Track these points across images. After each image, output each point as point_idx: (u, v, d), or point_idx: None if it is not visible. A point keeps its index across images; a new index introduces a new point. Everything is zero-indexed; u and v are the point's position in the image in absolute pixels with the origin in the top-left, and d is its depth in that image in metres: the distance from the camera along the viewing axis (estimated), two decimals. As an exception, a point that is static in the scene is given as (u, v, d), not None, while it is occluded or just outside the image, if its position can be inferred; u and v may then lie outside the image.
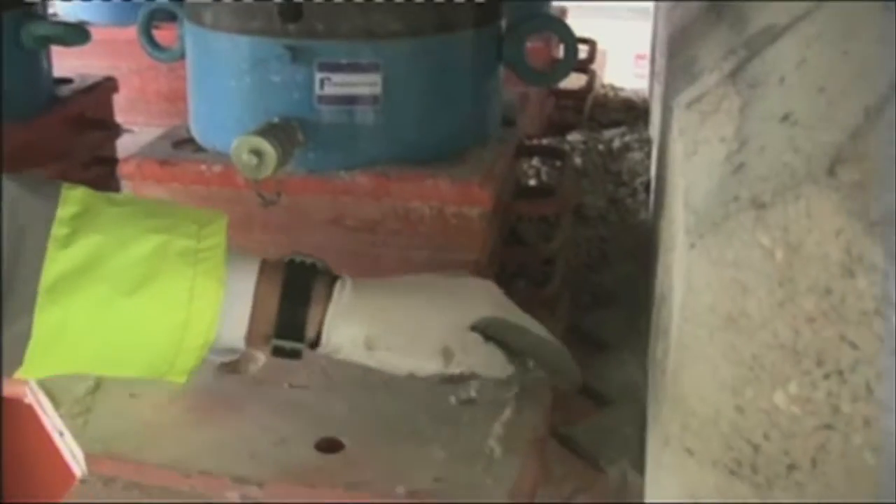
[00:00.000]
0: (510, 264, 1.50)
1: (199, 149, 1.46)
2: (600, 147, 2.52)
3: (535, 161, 2.21)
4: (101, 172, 2.01)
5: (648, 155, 2.43)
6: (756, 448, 0.70)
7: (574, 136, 2.59)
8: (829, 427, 0.65)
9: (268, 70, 1.32)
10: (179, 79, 1.53)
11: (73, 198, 0.94)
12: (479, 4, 1.40)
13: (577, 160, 2.39)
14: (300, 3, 1.29)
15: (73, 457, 1.08)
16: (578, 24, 1.82)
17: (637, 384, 1.26)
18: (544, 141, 2.50)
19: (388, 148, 1.35)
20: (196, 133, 1.48)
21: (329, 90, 1.31)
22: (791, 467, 0.68)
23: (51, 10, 2.47)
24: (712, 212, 0.71)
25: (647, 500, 0.99)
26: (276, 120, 1.29)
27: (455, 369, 1.04)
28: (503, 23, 1.48)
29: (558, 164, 2.00)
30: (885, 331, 0.59)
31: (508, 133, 1.57)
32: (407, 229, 1.33)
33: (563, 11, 3.13)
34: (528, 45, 1.50)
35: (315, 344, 1.03)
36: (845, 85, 0.69)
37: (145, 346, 0.96)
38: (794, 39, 0.84)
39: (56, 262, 0.90)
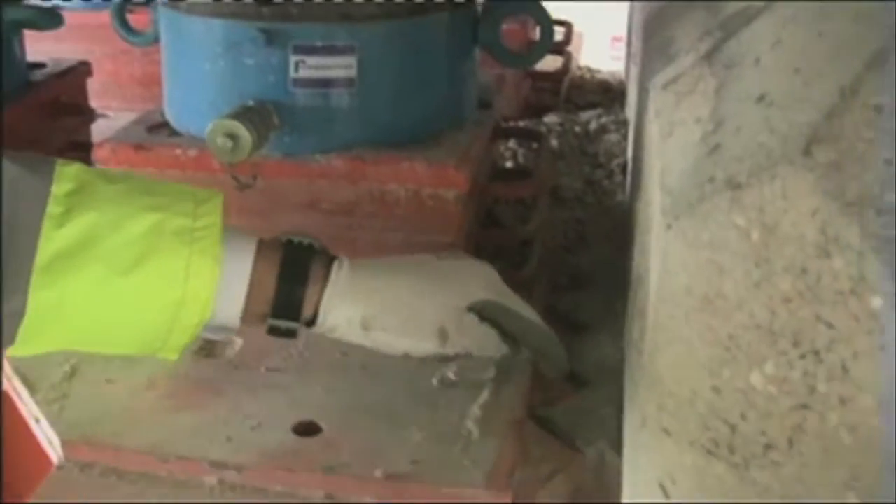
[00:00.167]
0: (487, 246, 1.50)
1: (173, 133, 1.45)
2: (577, 129, 2.52)
3: (512, 143, 2.21)
4: (76, 157, 1.99)
5: (625, 137, 2.43)
6: (733, 428, 0.70)
7: (550, 118, 2.59)
8: (805, 407, 0.65)
9: (242, 53, 1.31)
10: (154, 63, 1.52)
11: (68, 174, 0.93)
12: (455, -14, 1.40)
13: (554, 142, 2.39)
14: (274, -14, 1.29)
15: (50, 443, 1.08)
16: (554, 6, 1.81)
17: (614, 365, 1.26)
18: (521, 123, 2.50)
19: (364, 131, 1.35)
20: (171, 117, 1.47)
21: (304, 73, 1.31)
22: (768, 447, 0.68)
23: (24, -6, 2.45)
24: (688, 193, 0.71)
25: (624, 481, 0.99)
26: (251, 103, 1.29)
27: (450, 350, 1.04)
28: (479, 5, 1.48)
29: (535, 146, 2.00)
30: (861, 311, 0.60)
31: (485, 115, 1.57)
32: (383, 212, 1.32)
33: (539, -7, 3.12)
34: (504, 27, 1.49)
35: (311, 323, 1.03)
36: (821, 65, 0.69)
37: (140, 325, 0.95)
38: (770, 20, 0.84)
39: (51, 241, 0.90)
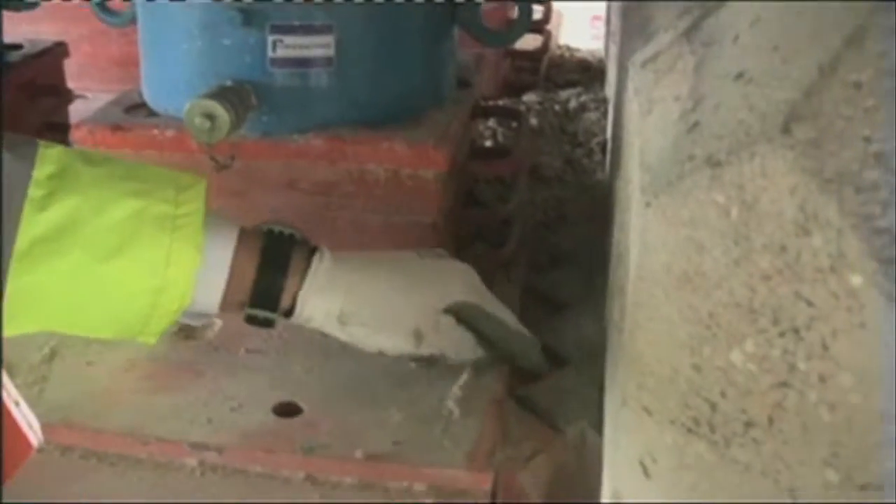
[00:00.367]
0: (467, 226, 1.50)
1: (151, 113, 1.44)
2: (556, 108, 2.51)
3: (492, 122, 2.20)
4: (53, 139, 1.98)
5: (605, 115, 2.43)
6: (713, 406, 0.70)
7: (530, 97, 2.58)
8: (785, 385, 0.65)
9: (219, 33, 1.31)
10: (132, 44, 1.51)
11: (50, 157, 0.93)
12: (433, -35, 1.40)
13: (533, 121, 2.38)
14: (251, -35, 1.28)
15: (30, 426, 1.08)
16: (533, -16, 1.81)
17: (595, 344, 1.26)
18: (500, 102, 2.50)
19: (343, 111, 1.34)
20: (148, 98, 1.47)
21: (282, 53, 1.30)
22: (748, 425, 0.68)
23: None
24: (667, 171, 0.71)
25: (605, 460, 0.99)
26: (228, 83, 1.28)
27: (425, 350, 1.05)
28: (457, -17, 1.47)
29: (514, 125, 2.00)
30: (841, 288, 0.60)
31: (464, 94, 1.56)
32: (362, 192, 1.32)
33: (519, -28, 3.11)
34: (484, 5, 1.49)
35: (288, 314, 1.03)
36: (799, 43, 0.69)
37: (120, 310, 0.95)
38: (748, -3, 0.84)
39: (32, 226, 0.89)
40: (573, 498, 1.11)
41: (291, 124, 1.33)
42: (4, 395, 1.12)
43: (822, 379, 0.62)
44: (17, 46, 2.08)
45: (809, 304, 0.62)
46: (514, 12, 1.58)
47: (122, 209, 0.93)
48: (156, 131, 1.37)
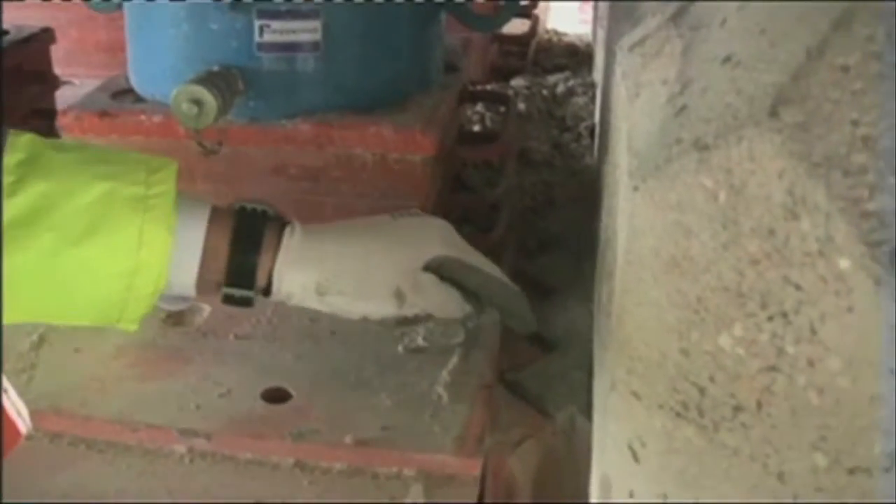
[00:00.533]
0: (455, 210, 1.50)
1: (138, 99, 1.44)
2: (544, 92, 2.51)
3: (479, 107, 2.20)
4: (40, 125, 1.98)
5: (592, 99, 2.43)
6: (702, 390, 0.70)
7: (518, 82, 2.58)
8: (773, 369, 0.65)
9: (206, 18, 1.30)
10: (119, 29, 1.50)
11: (20, 144, 0.92)
12: (420, -51, 1.39)
13: (521, 105, 2.39)
14: (238, -50, 1.27)
15: (19, 414, 1.07)
16: (521, -32, 1.81)
17: (583, 329, 1.26)
18: (488, 87, 2.50)
19: (330, 95, 1.34)
20: (135, 83, 1.46)
21: (269, 37, 1.30)
22: (737, 409, 0.68)
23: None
24: (655, 154, 0.71)
25: (594, 444, 1.00)
26: (215, 68, 1.28)
27: (409, 311, 1.03)
28: (445, -32, 1.47)
29: (502, 109, 2.00)
30: (829, 272, 0.60)
31: (452, 79, 1.56)
32: (350, 177, 1.32)
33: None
34: (471, -11, 1.49)
35: (266, 291, 1.02)
36: (787, 26, 0.69)
37: (94, 295, 0.95)
38: (736, -19, 0.84)
39: (2, 211, 0.89)
40: (562, 482, 1.11)
41: (279, 109, 1.33)
42: (-7, 382, 1.12)
43: (810, 363, 0.63)
44: (3, 32, 2.08)
45: (798, 287, 0.62)
46: (502, -4, 1.58)
47: (93, 192, 0.92)
48: (143, 117, 1.37)
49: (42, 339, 1.17)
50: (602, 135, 1.60)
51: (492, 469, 1.04)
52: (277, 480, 1.00)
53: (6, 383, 1.09)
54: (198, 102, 1.19)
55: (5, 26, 2.10)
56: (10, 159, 0.90)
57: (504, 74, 2.66)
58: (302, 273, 1.01)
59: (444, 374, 1.11)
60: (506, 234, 1.49)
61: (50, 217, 0.91)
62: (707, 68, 0.75)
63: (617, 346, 0.80)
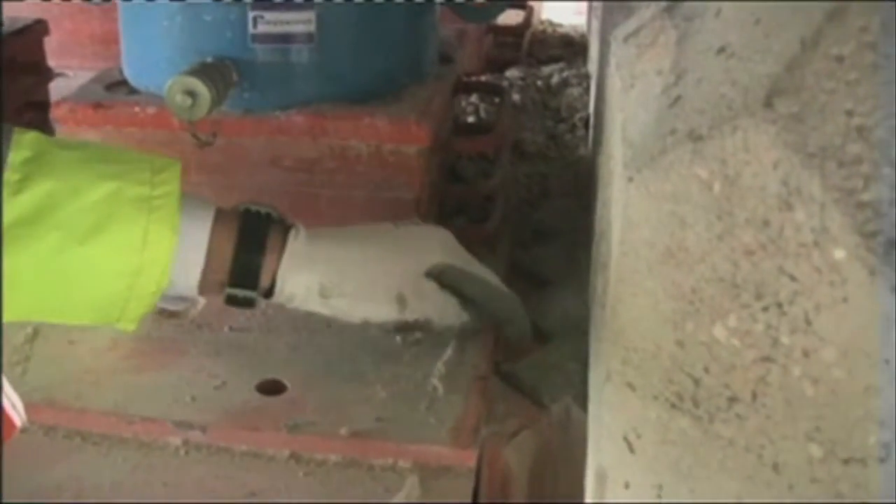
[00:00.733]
0: (450, 202, 1.50)
1: (132, 91, 1.43)
2: (539, 83, 2.51)
3: (474, 98, 2.20)
4: (34, 118, 1.98)
5: (587, 90, 2.42)
6: (697, 381, 0.70)
7: (512, 73, 2.58)
8: (768, 359, 0.65)
9: (200, 9, 1.30)
10: (113, 21, 1.50)
11: (25, 142, 0.92)
12: (415, -60, 1.39)
13: (516, 96, 2.38)
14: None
15: (13, 407, 1.07)
16: (515, -42, 1.81)
17: (579, 320, 1.26)
18: (482, 78, 2.49)
19: (325, 87, 1.34)
20: (129, 75, 1.46)
21: (263, 28, 1.29)
22: (732, 400, 0.68)
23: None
24: (650, 145, 0.71)
25: (589, 435, 1.00)
26: (209, 60, 1.27)
27: (409, 316, 1.04)
28: (439, -42, 1.47)
29: (497, 100, 1.99)
30: (824, 263, 0.60)
31: (446, 70, 1.56)
32: (344, 168, 1.32)
33: (500, -54, 3.10)
34: (465, -20, 1.48)
35: (269, 293, 1.03)
36: (781, 16, 0.69)
37: (97, 294, 0.95)
38: (730, -29, 0.84)
39: (8, 209, 0.89)
40: (558, 473, 1.11)
41: (273, 101, 1.33)
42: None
43: (805, 353, 0.63)
44: (-2, 24, 2.07)
45: (792, 278, 0.62)
46: (496, -13, 1.58)
47: (98, 191, 0.92)
48: (137, 109, 1.36)
49: (36, 332, 1.17)
50: (597, 126, 1.60)
51: (487, 460, 1.04)
52: (273, 472, 1.00)
53: (1, 376, 1.09)
54: (192, 94, 1.19)
55: (-2, 18, 2.09)
56: (15, 157, 0.90)
57: (499, 65, 2.66)
58: (306, 275, 1.02)
59: (440, 366, 1.11)
60: (500, 225, 1.49)
61: (55, 216, 0.91)
62: (701, 59, 0.75)
63: (612, 338, 0.80)
